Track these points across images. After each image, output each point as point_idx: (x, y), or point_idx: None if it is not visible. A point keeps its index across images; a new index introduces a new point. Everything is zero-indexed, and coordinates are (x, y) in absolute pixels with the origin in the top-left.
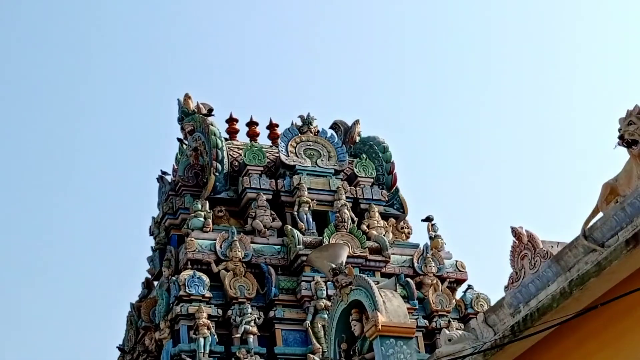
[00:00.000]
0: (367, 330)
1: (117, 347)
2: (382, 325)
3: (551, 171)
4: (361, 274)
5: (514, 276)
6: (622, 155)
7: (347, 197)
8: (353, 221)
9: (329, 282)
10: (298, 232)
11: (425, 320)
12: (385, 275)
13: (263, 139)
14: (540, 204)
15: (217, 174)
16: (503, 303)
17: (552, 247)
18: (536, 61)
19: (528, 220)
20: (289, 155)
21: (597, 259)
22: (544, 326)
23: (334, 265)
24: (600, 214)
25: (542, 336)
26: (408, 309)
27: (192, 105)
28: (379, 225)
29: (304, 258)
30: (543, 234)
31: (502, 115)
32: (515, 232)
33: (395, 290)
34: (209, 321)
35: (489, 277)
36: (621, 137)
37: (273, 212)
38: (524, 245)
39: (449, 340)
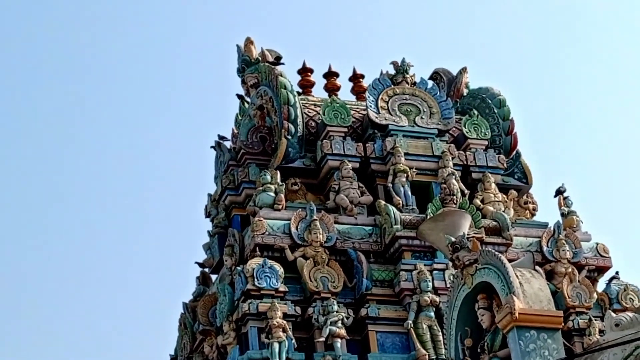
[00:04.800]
0: (500, 320)
1: (170, 356)
2: (519, 313)
3: None
4: (488, 250)
5: None
6: None
7: (454, 164)
8: (463, 194)
9: (435, 272)
10: (394, 209)
11: None
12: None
13: (345, 94)
14: None
15: (289, 137)
16: None
17: None
18: None
19: None
20: (379, 113)
21: None
22: None
23: (453, 239)
24: None
25: None
26: None
27: (256, 53)
28: (496, 199)
29: (403, 241)
30: None
31: None
32: None
33: (534, 269)
34: (284, 321)
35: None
36: None
37: (361, 184)
38: None
39: (616, 325)
